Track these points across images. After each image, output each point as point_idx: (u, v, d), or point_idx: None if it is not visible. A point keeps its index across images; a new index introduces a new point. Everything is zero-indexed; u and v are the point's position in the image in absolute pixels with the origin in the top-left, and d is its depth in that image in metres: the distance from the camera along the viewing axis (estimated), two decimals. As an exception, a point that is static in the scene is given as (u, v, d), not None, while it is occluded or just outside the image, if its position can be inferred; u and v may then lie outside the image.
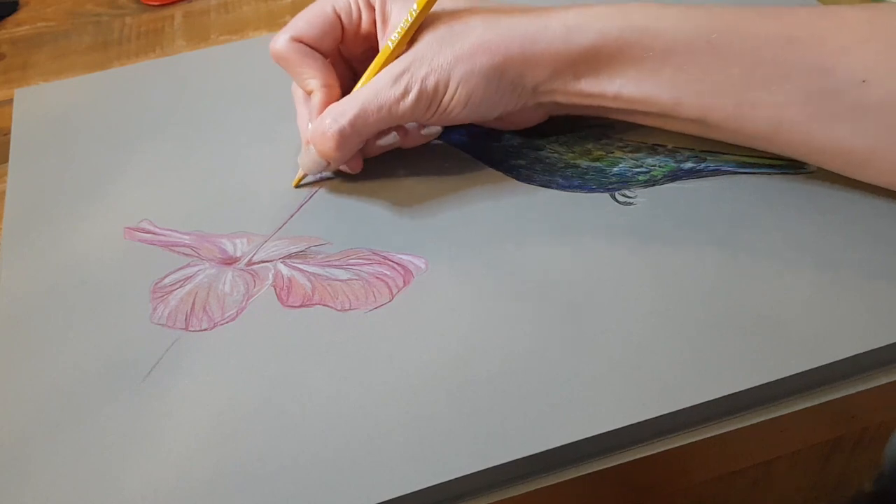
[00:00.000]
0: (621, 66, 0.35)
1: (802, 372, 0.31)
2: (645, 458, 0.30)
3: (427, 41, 0.35)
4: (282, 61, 0.38)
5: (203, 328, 0.34)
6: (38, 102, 0.47)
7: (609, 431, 0.29)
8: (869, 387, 0.32)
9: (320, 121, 0.37)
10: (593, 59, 0.35)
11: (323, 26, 0.38)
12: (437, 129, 0.40)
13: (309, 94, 0.39)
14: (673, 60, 0.34)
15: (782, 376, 0.31)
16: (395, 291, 0.35)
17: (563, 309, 0.33)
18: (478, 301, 0.34)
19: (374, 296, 0.35)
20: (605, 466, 0.30)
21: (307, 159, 0.38)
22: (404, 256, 0.36)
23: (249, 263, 0.37)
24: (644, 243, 0.36)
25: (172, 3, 0.56)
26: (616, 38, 0.34)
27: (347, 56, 0.41)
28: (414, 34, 0.36)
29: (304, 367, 0.32)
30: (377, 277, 0.35)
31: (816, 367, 0.31)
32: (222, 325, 0.34)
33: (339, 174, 0.40)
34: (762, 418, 0.31)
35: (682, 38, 0.34)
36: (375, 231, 0.37)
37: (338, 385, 0.32)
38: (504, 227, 0.37)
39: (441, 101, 0.36)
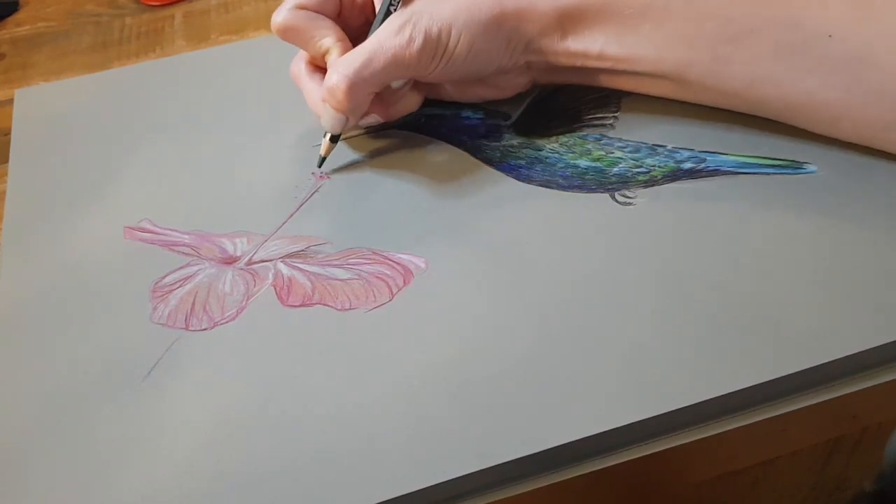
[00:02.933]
0: (604, 23, 0.37)
1: (803, 370, 0.31)
2: (645, 457, 0.30)
3: None
4: (289, 31, 0.39)
5: (203, 328, 0.34)
6: (39, 102, 0.47)
7: (609, 431, 0.29)
8: (869, 385, 0.32)
9: (328, 77, 0.37)
10: (578, 16, 0.37)
11: None
12: (416, 101, 0.41)
13: (323, 56, 0.39)
14: (651, 16, 0.36)
15: (782, 375, 0.31)
16: (395, 291, 0.35)
17: (562, 309, 0.33)
18: (478, 301, 0.34)
19: (374, 295, 0.35)
20: (605, 466, 0.30)
21: (326, 118, 0.38)
22: (404, 256, 0.36)
23: (249, 263, 0.37)
24: (644, 243, 0.36)
25: (172, 4, 0.56)
26: None
27: (344, 31, 0.41)
28: None
29: (304, 367, 0.32)
30: (377, 277, 0.35)
31: (816, 366, 0.31)
32: (222, 324, 0.34)
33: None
34: (762, 417, 0.31)
35: None
36: (375, 231, 0.37)
37: (338, 385, 0.32)
38: (504, 227, 0.37)
39: (446, 48, 0.37)
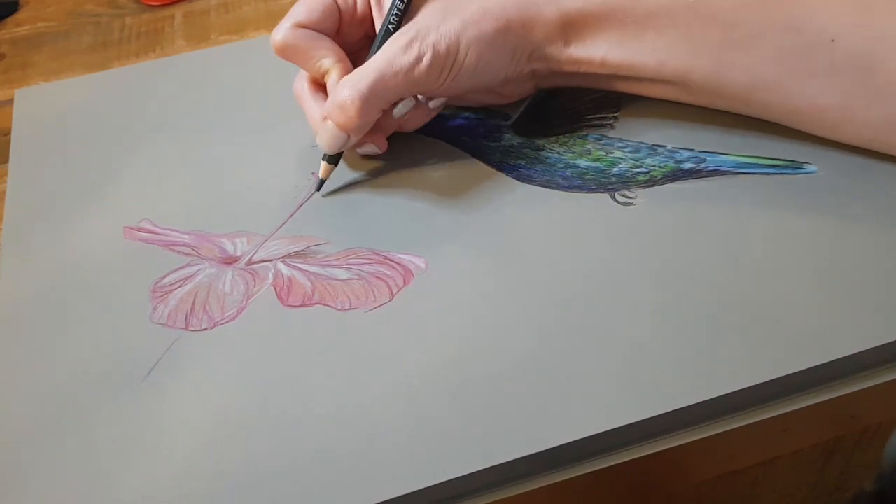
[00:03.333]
0: (606, 30, 0.37)
1: (803, 370, 0.31)
2: (645, 457, 0.30)
3: (429, 11, 0.37)
4: (288, 50, 0.38)
5: (203, 328, 0.34)
6: (39, 102, 0.47)
7: (609, 431, 0.29)
8: (869, 385, 0.32)
9: (336, 92, 0.36)
10: (581, 23, 0.37)
11: (322, 10, 0.39)
12: (442, 101, 0.40)
13: (322, 76, 0.39)
14: (654, 23, 0.36)
15: (782, 375, 0.31)
16: (395, 291, 0.35)
17: (562, 309, 0.33)
18: (478, 301, 0.34)
19: (374, 295, 0.35)
20: (605, 466, 0.30)
21: (326, 136, 0.37)
22: (404, 256, 0.36)
23: (249, 263, 0.37)
24: (644, 243, 0.36)
25: (172, 4, 0.56)
26: (601, 3, 0.36)
27: (343, 46, 0.40)
28: (412, 7, 0.37)
29: (304, 367, 0.32)
30: (377, 277, 0.35)
31: (817, 366, 0.31)
32: (222, 324, 0.34)
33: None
34: (762, 418, 0.31)
35: (663, 0, 0.35)
36: (375, 231, 0.37)
37: (338, 385, 0.32)
38: (504, 227, 0.37)
39: (454, 64, 0.36)
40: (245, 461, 0.30)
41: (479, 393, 0.31)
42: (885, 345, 0.31)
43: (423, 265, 0.36)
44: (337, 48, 0.39)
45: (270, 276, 0.36)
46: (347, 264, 0.36)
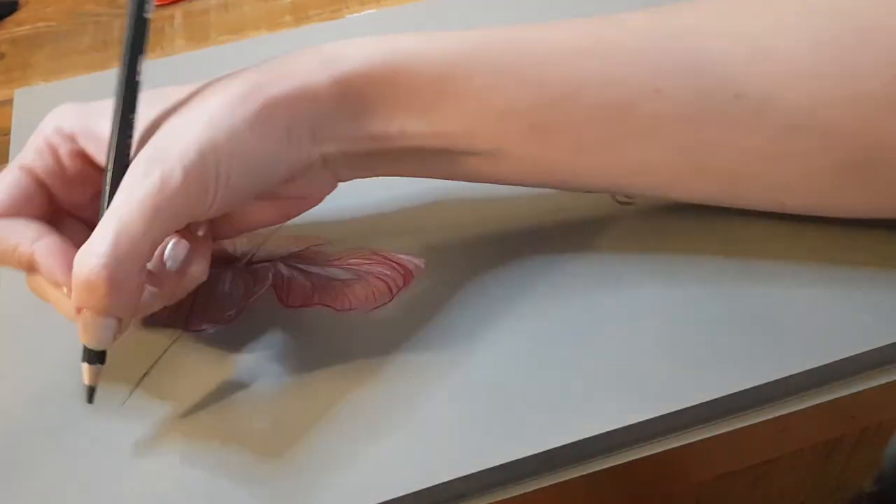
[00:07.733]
0: (397, 98, 0.30)
1: (803, 371, 0.31)
2: (645, 458, 0.30)
3: (168, 125, 0.29)
4: None
5: (202, 328, 0.34)
6: (38, 102, 0.47)
7: (609, 431, 0.29)
8: (869, 386, 0.32)
9: (74, 270, 0.26)
10: (362, 92, 0.30)
11: (16, 195, 0.30)
12: (202, 268, 0.31)
13: (31, 266, 0.30)
14: (453, 86, 0.30)
15: (782, 376, 0.31)
16: (395, 291, 0.35)
17: (562, 309, 0.33)
18: (478, 301, 0.34)
19: (374, 296, 0.35)
20: (605, 466, 0.30)
21: (88, 331, 0.27)
22: (404, 256, 0.36)
23: (249, 263, 0.37)
24: (644, 243, 0.36)
25: (172, 3, 0.56)
26: (382, 65, 0.30)
27: (72, 211, 0.32)
28: (147, 129, 0.29)
29: (303, 368, 0.32)
30: (377, 277, 0.35)
31: (817, 367, 0.31)
32: (222, 325, 0.34)
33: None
34: (762, 418, 0.31)
35: (461, 59, 0.30)
36: (375, 231, 0.37)
37: (337, 385, 0.32)
38: (504, 226, 0.37)
39: (218, 173, 0.28)
40: (244, 461, 0.30)
41: (478, 393, 0.31)
42: (885, 346, 0.31)
43: (423, 265, 0.36)
44: (34, 225, 0.30)
45: (270, 276, 0.36)
46: (347, 264, 0.36)
